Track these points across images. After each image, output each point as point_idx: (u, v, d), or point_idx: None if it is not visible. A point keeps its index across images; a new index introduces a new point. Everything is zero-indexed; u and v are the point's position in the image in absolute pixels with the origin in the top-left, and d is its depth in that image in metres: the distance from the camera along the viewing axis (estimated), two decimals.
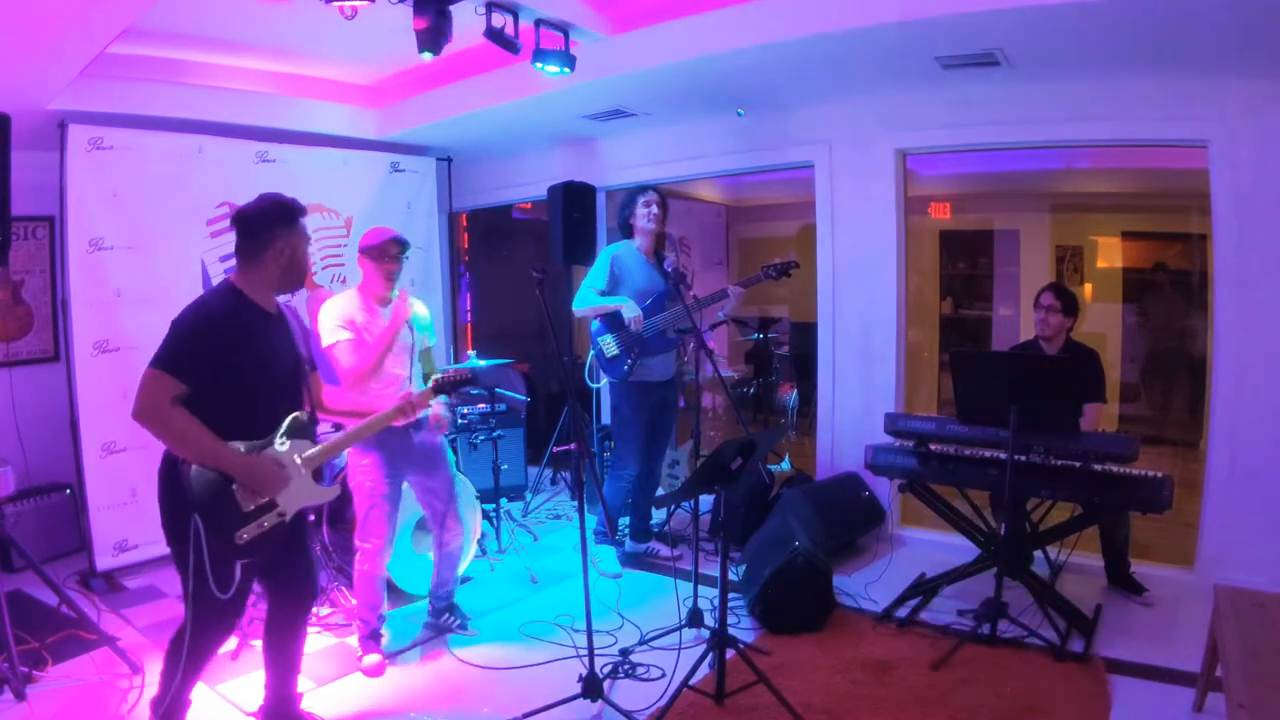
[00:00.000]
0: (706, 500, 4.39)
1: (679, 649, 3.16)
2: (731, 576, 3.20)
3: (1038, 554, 3.76)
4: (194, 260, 4.35)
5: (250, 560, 2.27)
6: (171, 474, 2.20)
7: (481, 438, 4.71)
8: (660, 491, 4.54)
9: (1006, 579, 3.21)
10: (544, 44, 3.52)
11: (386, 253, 3.14)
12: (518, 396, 5.29)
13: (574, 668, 2.98)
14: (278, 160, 4.72)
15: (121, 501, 4.03)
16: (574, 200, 5.02)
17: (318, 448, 2.45)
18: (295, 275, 2.38)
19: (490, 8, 3.25)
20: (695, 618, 3.38)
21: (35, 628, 3.21)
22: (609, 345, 4.00)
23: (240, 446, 2.22)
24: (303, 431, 2.40)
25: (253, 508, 2.24)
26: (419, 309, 3.36)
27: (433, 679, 3.10)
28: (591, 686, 2.77)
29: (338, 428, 3.82)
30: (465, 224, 6.73)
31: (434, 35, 3.11)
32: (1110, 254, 6.46)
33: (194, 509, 2.15)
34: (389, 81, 4.99)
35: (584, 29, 3.65)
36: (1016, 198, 6.39)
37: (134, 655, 3.07)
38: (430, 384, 2.79)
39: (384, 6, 3.03)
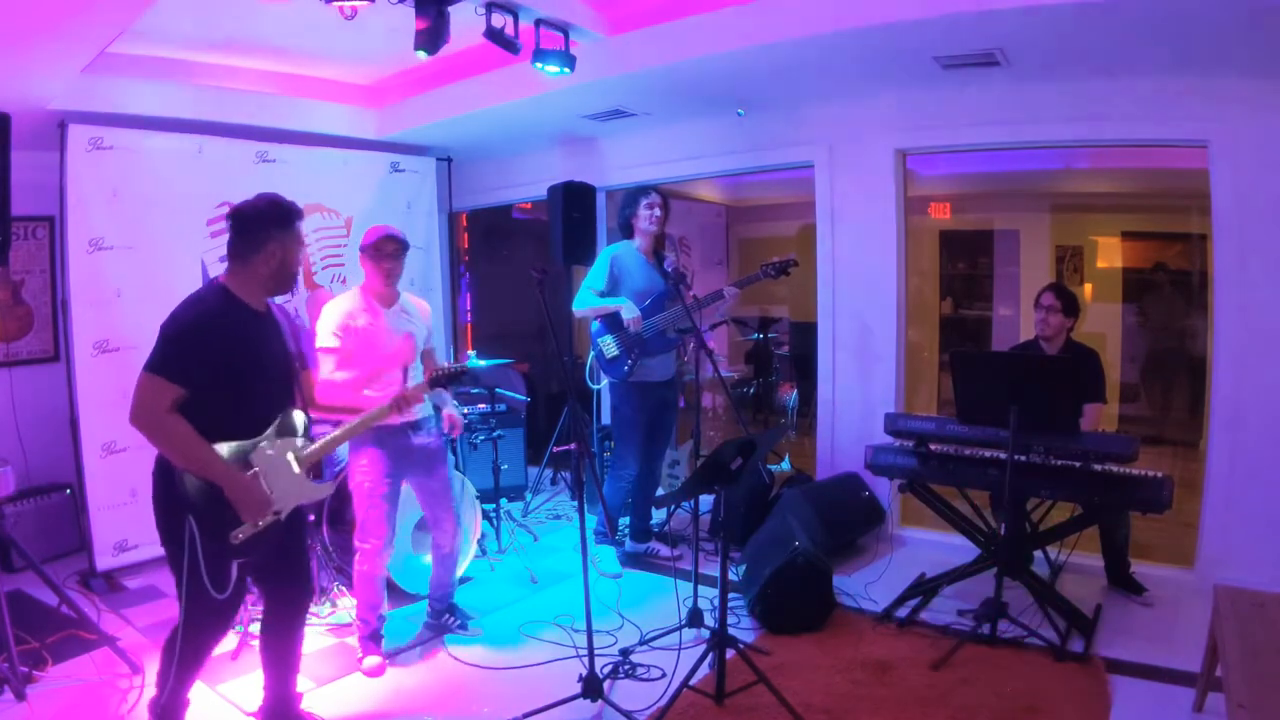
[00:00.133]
0: (706, 500, 4.39)
1: (679, 649, 3.16)
2: (731, 576, 3.20)
3: (1038, 554, 3.76)
4: (194, 260, 4.35)
5: (245, 560, 2.27)
6: (165, 475, 2.20)
7: (481, 438, 4.71)
8: (660, 491, 4.54)
9: (1006, 579, 3.21)
10: (544, 44, 3.52)
11: (382, 250, 3.13)
12: (518, 396, 5.29)
13: (574, 668, 2.98)
14: (278, 160, 4.72)
15: (121, 501, 4.03)
16: (574, 200, 5.02)
17: (313, 445, 2.44)
18: (285, 278, 2.37)
19: (490, 8, 3.25)
20: (695, 618, 3.38)
21: (35, 628, 3.21)
22: (609, 346, 4.00)
23: (228, 448, 2.21)
24: (296, 429, 2.40)
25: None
26: (422, 306, 3.35)
27: (433, 679, 3.10)
28: (591, 686, 2.77)
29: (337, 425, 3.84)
30: (465, 224, 6.73)
31: (432, 36, 3.11)
32: (1110, 254, 6.46)
33: (188, 510, 2.15)
34: (389, 81, 5.00)
35: (584, 29, 3.65)
36: (1016, 198, 6.40)
37: (134, 655, 3.07)
38: (425, 378, 2.78)
39: (384, 6, 3.03)
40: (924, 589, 3.56)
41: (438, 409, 3.41)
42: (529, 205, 6.88)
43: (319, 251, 5.01)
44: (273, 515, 2.28)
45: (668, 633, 3.35)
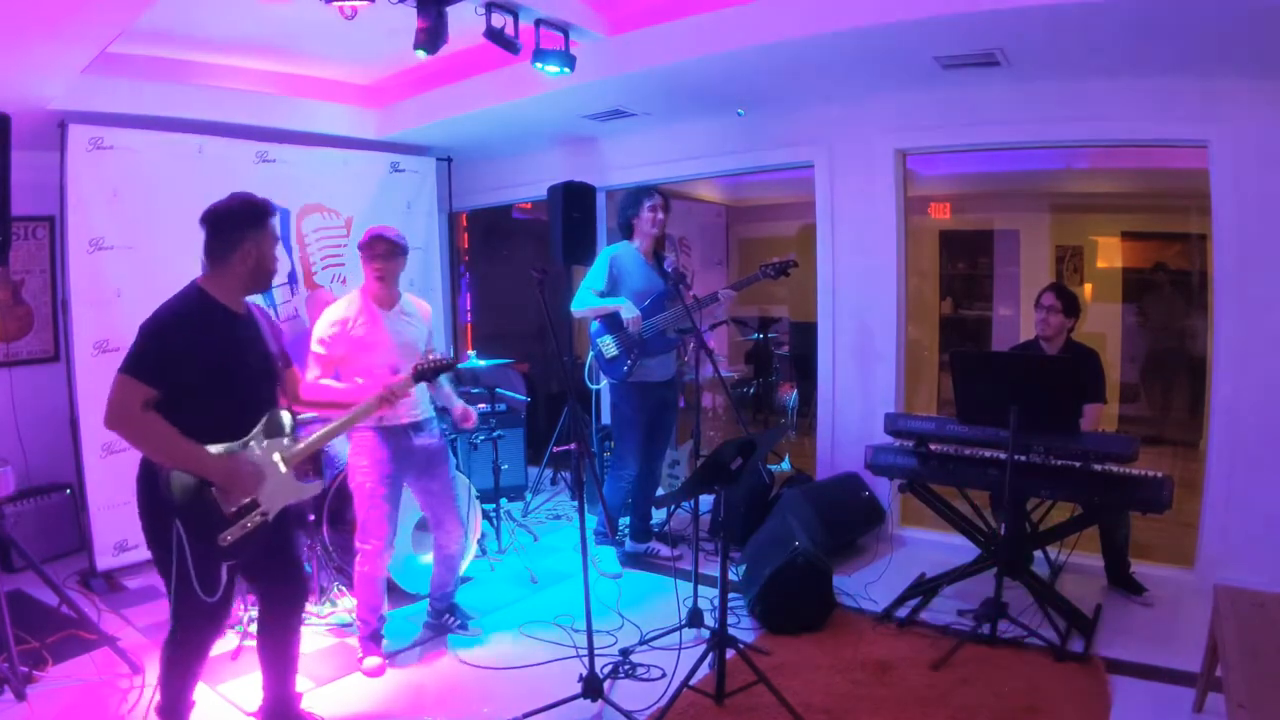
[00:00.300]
0: (706, 500, 4.39)
1: (679, 649, 3.16)
2: (731, 576, 3.20)
3: (1038, 554, 3.76)
4: (194, 260, 4.23)
5: (235, 561, 2.27)
6: (150, 479, 2.19)
7: (481, 438, 4.71)
8: (660, 491, 4.54)
9: (1006, 579, 3.21)
10: (544, 44, 3.52)
11: (372, 250, 3.12)
12: (518, 396, 5.30)
13: (574, 668, 2.98)
14: (278, 160, 4.72)
15: (122, 501, 4.02)
16: (574, 200, 5.02)
17: (300, 444, 2.44)
18: (262, 276, 2.37)
19: (490, 8, 3.25)
20: (695, 618, 3.38)
21: (35, 628, 3.21)
22: (608, 346, 4.00)
23: (217, 449, 2.21)
24: (281, 429, 2.40)
25: (234, 509, 2.22)
26: (422, 307, 3.35)
27: (433, 679, 3.10)
28: (592, 686, 2.77)
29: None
30: (465, 224, 6.73)
31: (432, 36, 3.11)
32: (1110, 254, 6.46)
33: (174, 513, 2.15)
34: (389, 81, 5.00)
35: (584, 29, 3.65)
36: (1016, 198, 6.40)
37: (134, 655, 3.07)
38: (410, 371, 2.77)
39: (384, 6, 3.03)
40: (924, 589, 3.56)
41: (441, 410, 3.40)
42: (529, 205, 6.87)
43: (319, 251, 5.00)
44: (260, 516, 2.27)
45: (668, 633, 3.35)
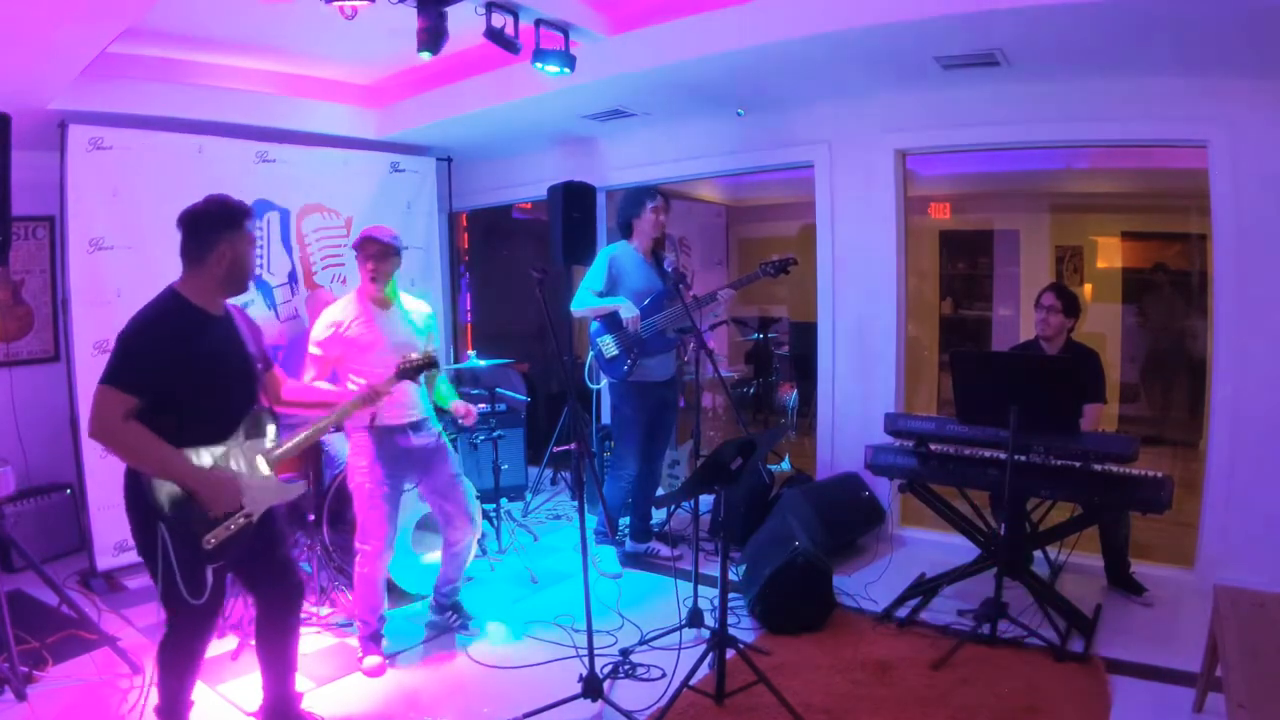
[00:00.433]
0: (706, 500, 4.39)
1: (679, 649, 3.16)
2: (731, 576, 3.20)
3: (1038, 554, 3.76)
4: None
5: (221, 564, 2.26)
6: (135, 484, 2.20)
7: (481, 438, 4.71)
8: (660, 491, 4.54)
9: (1006, 579, 3.21)
10: (544, 44, 3.52)
11: (364, 251, 3.13)
12: (518, 396, 5.29)
13: (574, 668, 2.98)
14: (278, 160, 4.72)
15: (122, 501, 4.02)
16: (574, 200, 5.02)
17: (283, 446, 2.43)
18: (238, 278, 2.35)
19: (490, 8, 3.25)
20: (695, 618, 3.38)
21: (35, 628, 3.21)
22: (608, 346, 4.00)
23: (203, 454, 2.21)
24: (263, 430, 2.40)
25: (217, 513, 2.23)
26: (420, 307, 3.35)
27: (433, 679, 3.10)
28: (592, 686, 2.77)
29: (338, 427, 3.83)
30: (465, 224, 6.73)
31: (433, 36, 3.11)
32: (1110, 254, 6.46)
33: (159, 518, 2.16)
34: (389, 81, 5.00)
35: (584, 29, 3.65)
36: (1016, 198, 6.39)
37: (134, 655, 3.07)
38: (394, 369, 2.76)
39: (384, 6, 3.03)
40: (924, 589, 3.56)
41: (438, 409, 3.40)
42: (529, 205, 6.87)
43: (319, 251, 5.01)
44: (244, 519, 2.27)
45: (668, 633, 3.35)
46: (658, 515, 4.57)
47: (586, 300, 4.01)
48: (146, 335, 2.18)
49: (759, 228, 8.14)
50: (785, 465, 5.32)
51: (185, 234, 2.30)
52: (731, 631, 2.90)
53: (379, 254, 3.12)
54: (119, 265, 4.04)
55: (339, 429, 3.82)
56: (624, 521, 4.37)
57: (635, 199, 4.07)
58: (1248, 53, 3.22)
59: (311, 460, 3.84)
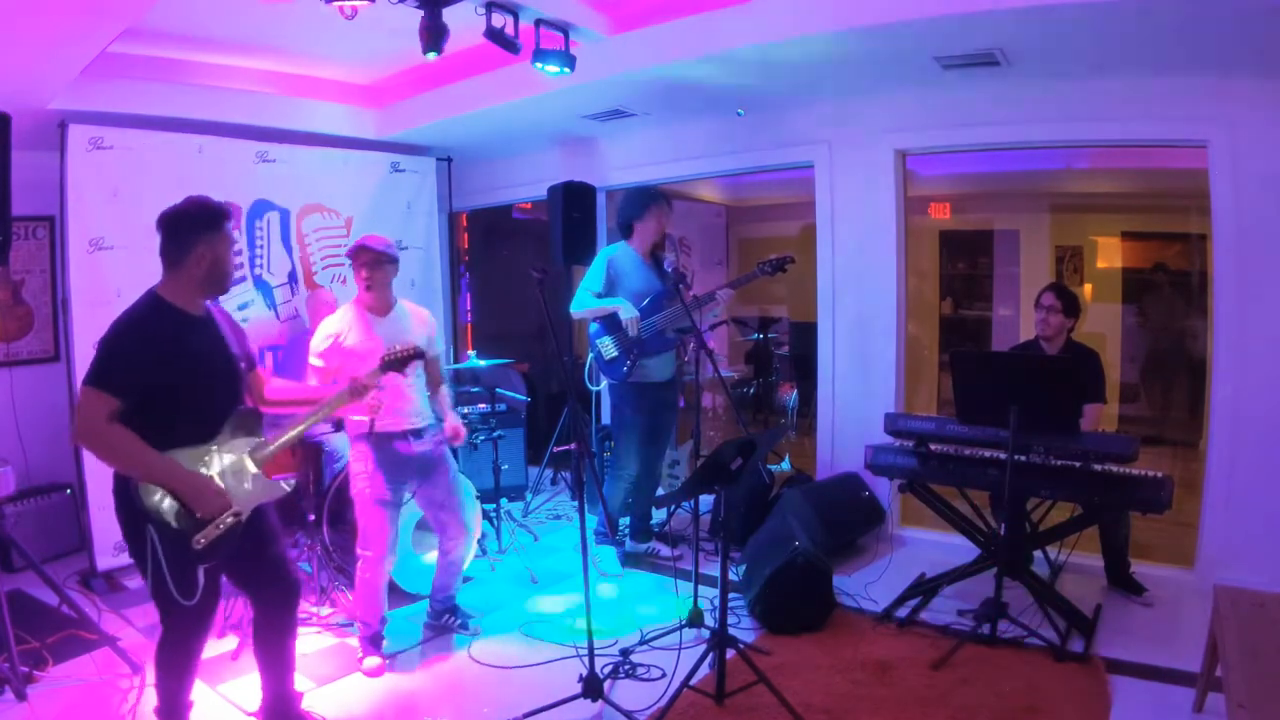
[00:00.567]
0: (706, 500, 4.39)
1: (679, 649, 3.16)
2: (731, 576, 3.20)
3: (1038, 554, 3.76)
4: None
5: (212, 564, 2.26)
6: (124, 486, 2.20)
7: (482, 438, 4.71)
8: (660, 491, 4.54)
9: (1006, 579, 3.21)
10: (544, 44, 3.52)
11: (357, 259, 3.14)
12: (518, 396, 5.30)
13: (574, 668, 2.98)
14: (278, 160, 4.73)
15: None
16: (574, 200, 5.02)
17: (269, 444, 2.43)
18: (217, 280, 2.34)
19: (490, 8, 3.25)
20: (695, 618, 3.38)
21: (36, 627, 3.22)
22: (607, 347, 3.99)
23: (188, 455, 2.22)
24: (248, 429, 2.40)
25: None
26: (421, 313, 3.34)
27: (433, 679, 3.10)
28: (592, 686, 2.77)
29: (338, 425, 3.84)
30: (465, 224, 6.73)
31: (434, 36, 3.11)
32: (1110, 254, 6.46)
33: (148, 520, 2.16)
34: (389, 81, 5.00)
35: (584, 29, 3.65)
36: (1016, 198, 6.39)
37: (134, 655, 3.07)
38: (379, 363, 2.75)
39: (384, 6, 3.03)
40: (924, 589, 3.56)
41: (439, 417, 3.40)
42: (529, 205, 6.87)
43: (319, 251, 5.01)
44: (232, 517, 2.27)
45: (668, 633, 3.35)
46: (658, 515, 4.57)
47: (585, 301, 4.01)
48: (127, 337, 2.19)
49: (759, 228, 8.14)
50: (785, 465, 5.32)
51: (164, 235, 2.31)
52: (731, 631, 2.90)
53: (372, 262, 3.12)
54: (119, 265, 4.04)
55: (338, 429, 3.85)
56: (624, 521, 4.37)
57: (639, 201, 4.05)
58: (1248, 53, 3.22)
59: (311, 460, 3.84)
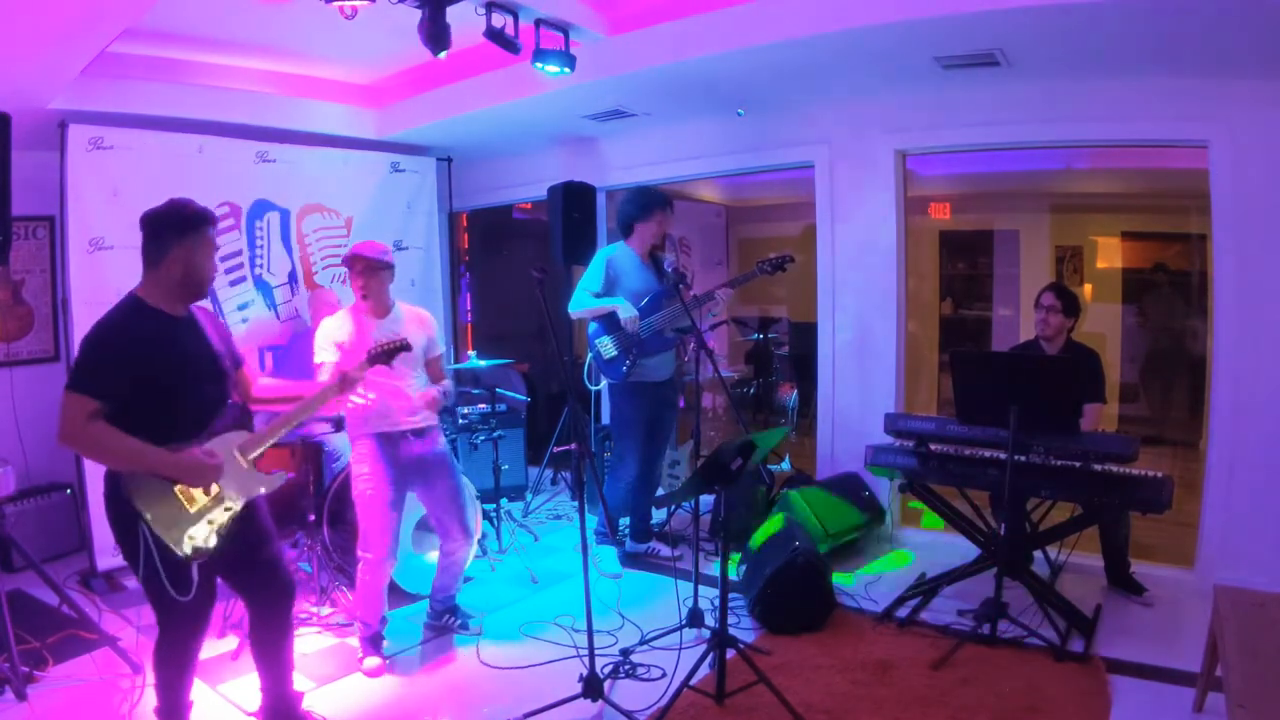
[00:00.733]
0: (707, 500, 4.39)
1: (679, 649, 3.16)
2: (732, 576, 3.20)
3: (1038, 554, 3.76)
4: None
5: (206, 560, 2.26)
6: (114, 485, 2.21)
7: (482, 438, 4.71)
8: (660, 491, 4.53)
9: (1006, 579, 3.21)
10: (544, 44, 3.52)
11: (352, 267, 3.15)
12: (518, 396, 5.30)
13: (574, 668, 2.98)
14: (278, 160, 4.73)
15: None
16: (574, 200, 5.02)
17: (259, 438, 2.43)
18: (192, 285, 2.32)
19: (490, 8, 3.25)
20: (695, 618, 3.38)
21: (36, 627, 3.22)
22: (607, 347, 3.99)
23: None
24: (236, 425, 2.40)
25: (197, 508, 2.23)
26: (418, 315, 3.34)
27: (433, 679, 3.10)
28: (592, 686, 2.77)
29: (338, 427, 3.84)
30: (465, 224, 6.73)
31: (435, 36, 3.10)
32: (1110, 254, 6.46)
33: (139, 517, 2.16)
34: (389, 81, 5.00)
35: (584, 29, 3.65)
36: (1016, 198, 6.39)
37: (134, 655, 3.07)
38: (365, 356, 2.75)
39: (384, 6, 3.03)
40: (924, 589, 3.56)
41: (443, 411, 3.39)
42: (529, 205, 6.87)
43: (319, 251, 5.01)
44: (225, 511, 2.27)
45: (668, 633, 3.35)
46: (658, 515, 4.57)
47: (584, 302, 4.01)
48: (105, 339, 2.20)
49: (759, 228, 8.13)
50: (785, 465, 5.32)
51: (143, 236, 2.30)
52: (732, 631, 2.90)
53: (366, 270, 3.12)
54: (119, 265, 4.03)
55: (338, 429, 3.85)
56: (624, 522, 4.37)
57: (642, 202, 4.04)
58: (1248, 53, 3.22)
59: (312, 460, 3.84)
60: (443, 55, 3.15)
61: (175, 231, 2.28)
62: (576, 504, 3.04)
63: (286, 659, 2.59)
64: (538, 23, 3.48)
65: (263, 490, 2.44)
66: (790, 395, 7.06)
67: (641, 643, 3.30)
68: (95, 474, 3.92)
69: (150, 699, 2.50)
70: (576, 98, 4.35)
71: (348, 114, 5.05)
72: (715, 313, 4.09)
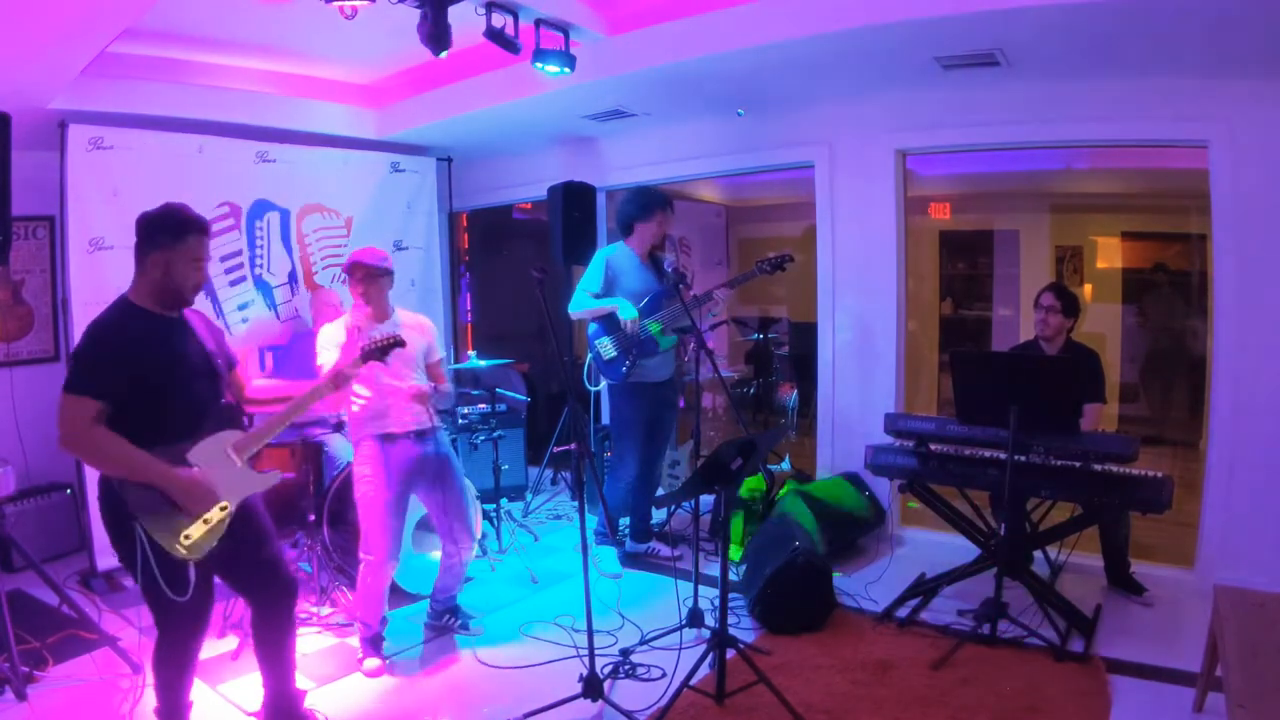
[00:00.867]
0: (707, 500, 4.39)
1: (679, 649, 3.16)
2: (731, 576, 3.20)
3: (1038, 554, 3.76)
4: None
5: (203, 560, 2.26)
6: (108, 487, 2.22)
7: (482, 438, 4.71)
8: (660, 491, 4.53)
9: (1006, 579, 3.21)
10: (544, 44, 3.52)
11: (353, 275, 3.16)
12: (518, 396, 5.30)
13: (574, 668, 2.98)
14: (278, 160, 4.73)
15: None
16: (574, 200, 5.02)
17: (253, 435, 2.43)
18: (171, 291, 2.31)
19: (490, 8, 3.25)
20: (695, 618, 3.38)
21: (36, 627, 3.22)
22: (606, 347, 3.99)
23: (170, 453, 2.22)
24: (229, 424, 2.40)
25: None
26: (416, 321, 3.34)
27: (433, 679, 3.10)
28: (592, 686, 2.77)
29: (338, 427, 3.84)
30: (465, 224, 6.73)
31: (436, 36, 3.10)
32: (1110, 254, 6.46)
33: (135, 517, 2.16)
34: (389, 81, 5.00)
35: (584, 29, 3.65)
36: (1016, 198, 6.39)
37: (134, 655, 3.07)
38: (358, 351, 2.74)
39: (384, 6, 3.03)
40: (924, 589, 3.56)
41: (443, 413, 3.39)
42: (529, 205, 6.87)
43: (319, 251, 5.01)
44: (219, 511, 2.28)
45: (668, 633, 3.35)
46: (658, 515, 4.57)
47: (583, 302, 4.01)
48: (100, 339, 2.21)
49: (759, 228, 8.13)
50: (785, 465, 5.32)
51: (135, 237, 2.31)
52: (732, 631, 2.90)
53: (366, 277, 3.13)
54: (119, 265, 4.03)
55: (337, 429, 3.85)
56: (624, 522, 4.37)
57: (643, 202, 4.03)
58: (1248, 53, 3.22)
59: (312, 460, 3.84)
60: (443, 55, 3.15)
61: (158, 236, 2.28)
62: (576, 504, 3.04)
63: (288, 658, 2.59)
64: (538, 23, 3.48)
65: (258, 489, 2.44)
66: (790, 395, 7.06)
67: (641, 643, 3.30)
68: (95, 474, 3.92)
69: (150, 699, 2.50)
70: (576, 98, 4.35)
71: (348, 114, 5.05)
72: (715, 313, 4.09)
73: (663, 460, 4.51)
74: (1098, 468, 3.15)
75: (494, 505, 4.54)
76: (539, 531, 4.81)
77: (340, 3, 3.00)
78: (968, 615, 3.35)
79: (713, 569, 3.38)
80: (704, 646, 2.95)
